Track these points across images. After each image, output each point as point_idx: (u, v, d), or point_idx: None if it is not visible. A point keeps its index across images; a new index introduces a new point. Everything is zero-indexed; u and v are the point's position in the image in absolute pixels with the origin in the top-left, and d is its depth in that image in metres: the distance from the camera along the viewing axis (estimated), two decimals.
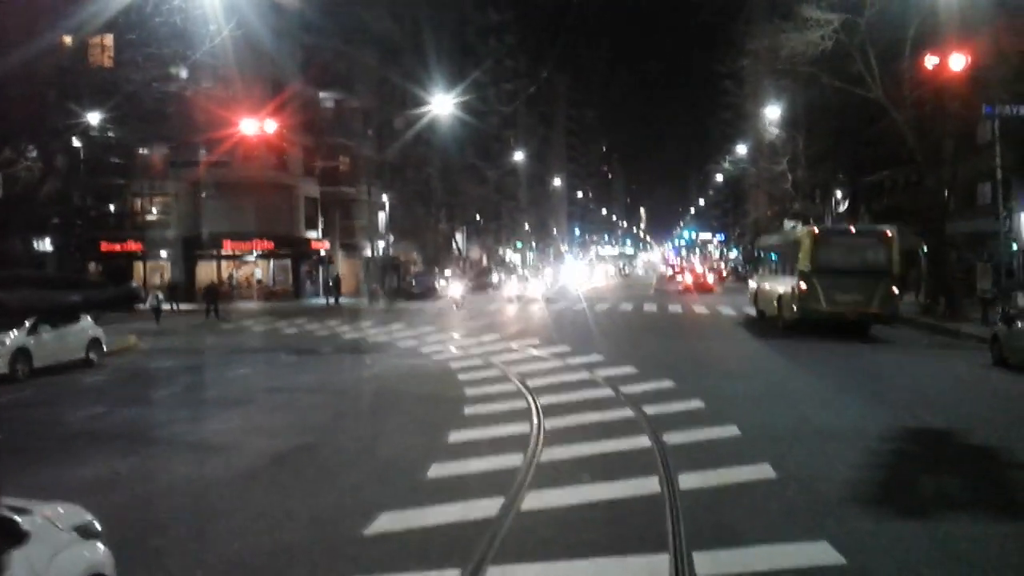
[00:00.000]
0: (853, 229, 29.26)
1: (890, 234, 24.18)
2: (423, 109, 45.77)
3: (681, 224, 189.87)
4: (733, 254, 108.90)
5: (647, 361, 16.51)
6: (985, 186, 35.26)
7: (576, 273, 68.92)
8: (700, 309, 32.46)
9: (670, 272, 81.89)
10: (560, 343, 19.92)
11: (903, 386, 14.44)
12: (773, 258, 28.91)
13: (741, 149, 66.77)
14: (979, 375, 16.19)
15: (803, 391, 13.71)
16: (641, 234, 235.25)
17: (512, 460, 8.85)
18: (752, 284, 32.23)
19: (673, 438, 9.69)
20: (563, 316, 30.24)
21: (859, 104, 42.93)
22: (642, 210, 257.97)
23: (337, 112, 48.71)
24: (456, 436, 10.11)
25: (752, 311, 28.89)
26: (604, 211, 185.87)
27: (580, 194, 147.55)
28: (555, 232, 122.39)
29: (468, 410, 11.83)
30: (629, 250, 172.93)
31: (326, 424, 11.50)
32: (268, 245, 42.78)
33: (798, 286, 23.05)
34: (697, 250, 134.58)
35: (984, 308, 24.73)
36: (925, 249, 42.46)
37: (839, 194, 48.70)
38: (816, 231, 25.89)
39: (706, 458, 8.76)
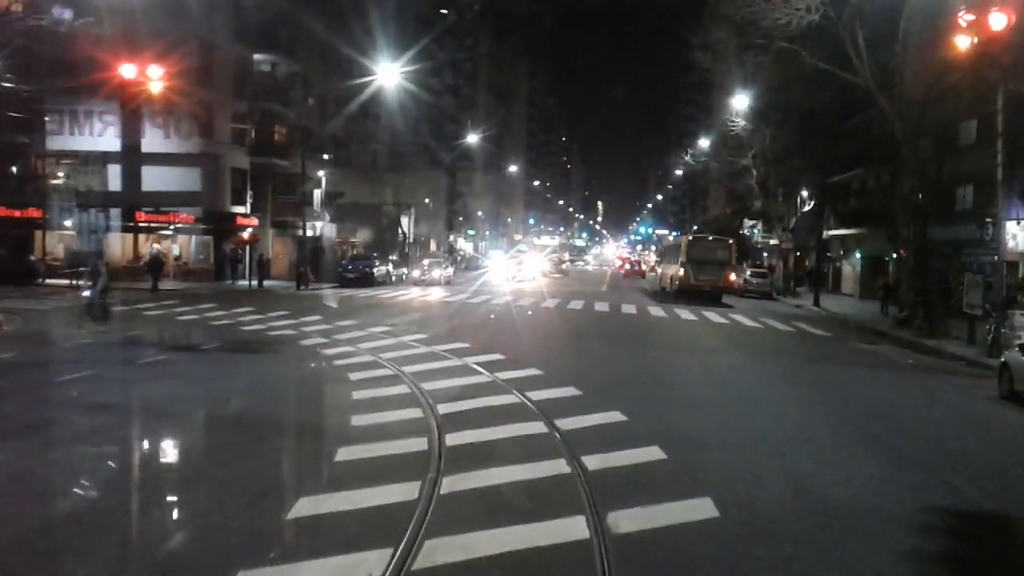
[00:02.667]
0: (710, 237, 44.69)
1: (731, 241, 41.73)
2: (370, 79, 42.17)
3: (638, 219, 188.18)
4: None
5: (591, 375, 13.43)
6: (965, 190, 32.88)
7: (504, 266, 55.43)
8: (656, 312, 29.47)
9: (628, 268, 79.18)
10: (494, 350, 16.73)
11: (911, 430, 11.48)
12: (670, 253, 47.29)
13: (704, 143, 64.12)
14: (991, 413, 13.47)
15: (788, 434, 10.67)
16: (598, 227, 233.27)
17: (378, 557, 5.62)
18: (658, 270, 54.05)
19: (621, 520, 6.57)
20: (500, 314, 27.06)
21: (829, 98, 40.63)
22: (600, 204, 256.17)
23: (273, 77, 44.76)
24: (307, 508, 6.82)
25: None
26: (561, 202, 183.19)
27: (537, 183, 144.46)
28: (509, 221, 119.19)
29: (342, 455, 8.54)
30: (580, 241, 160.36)
31: (108, 482, 8.13)
32: (187, 219, 38.81)
33: (679, 270, 39.06)
34: (652, 247, 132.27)
35: (971, 325, 22.17)
36: (895, 256, 40.30)
37: (805, 193, 46.18)
38: (690, 238, 44.23)
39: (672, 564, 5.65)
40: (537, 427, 10.04)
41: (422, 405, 11.11)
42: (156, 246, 38.14)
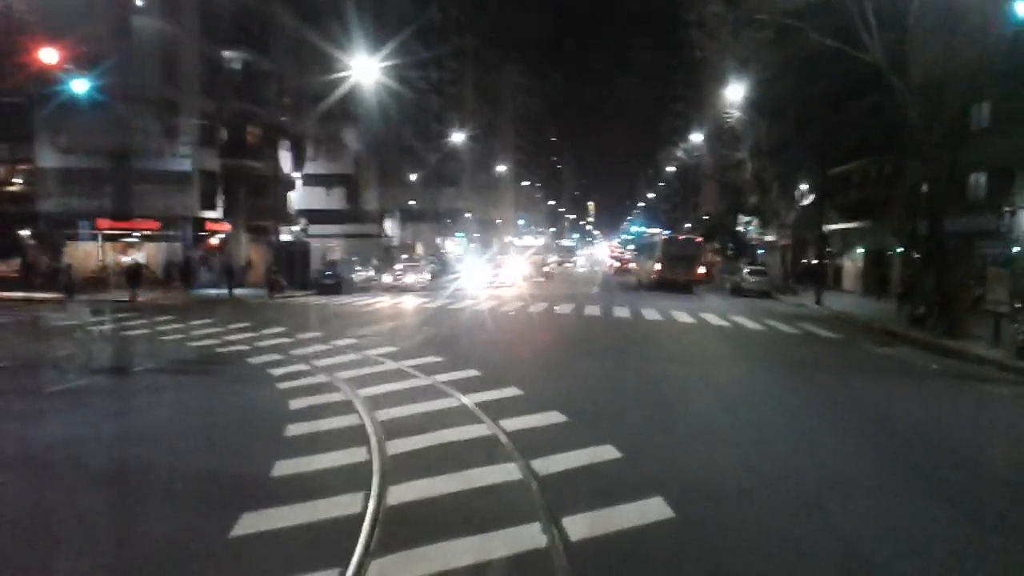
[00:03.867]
0: (681, 237, 55.03)
1: (699, 240, 51.64)
2: (348, 75, 40.03)
3: (629, 219, 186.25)
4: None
5: (573, 392, 11.35)
6: (978, 178, 30.93)
7: (479, 270, 50.14)
8: (651, 315, 27.38)
9: (617, 264, 77.11)
10: (469, 365, 14.63)
11: (978, 466, 9.34)
12: (646, 250, 56.80)
13: (697, 138, 62.11)
14: None
15: (824, 475, 8.53)
16: (589, 227, 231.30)
17: None
18: (635, 265, 62.91)
19: None
20: (480, 322, 24.99)
21: (828, 85, 38.69)
22: (590, 204, 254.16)
23: (246, 75, 42.55)
24: None
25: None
26: (552, 202, 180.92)
27: (527, 183, 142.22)
28: (499, 222, 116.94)
29: (244, 524, 6.44)
30: (567, 241, 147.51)
31: None
32: (152, 225, 36.61)
33: (655, 265, 46.45)
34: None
35: (996, 324, 20.17)
36: (900, 250, 38.32)
37: (804, 187, 44.16)
38: (664, 237, 53.78)
39: None
40: (508, 472, 7.96)
41: (369, 443, 9.01)
42: (136, 256, 36.15)
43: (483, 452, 8.74)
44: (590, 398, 12.02)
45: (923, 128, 22.13)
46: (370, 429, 9.61)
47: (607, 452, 8.72)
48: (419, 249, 75.56)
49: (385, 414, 10.45)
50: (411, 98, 60.63)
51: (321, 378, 13.32)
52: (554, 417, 10.34)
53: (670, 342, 20.21)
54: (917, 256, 27.97)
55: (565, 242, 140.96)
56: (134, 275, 32.08)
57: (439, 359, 15.46)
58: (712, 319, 26.05)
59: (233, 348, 17.43)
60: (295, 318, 25.26)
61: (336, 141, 51.80)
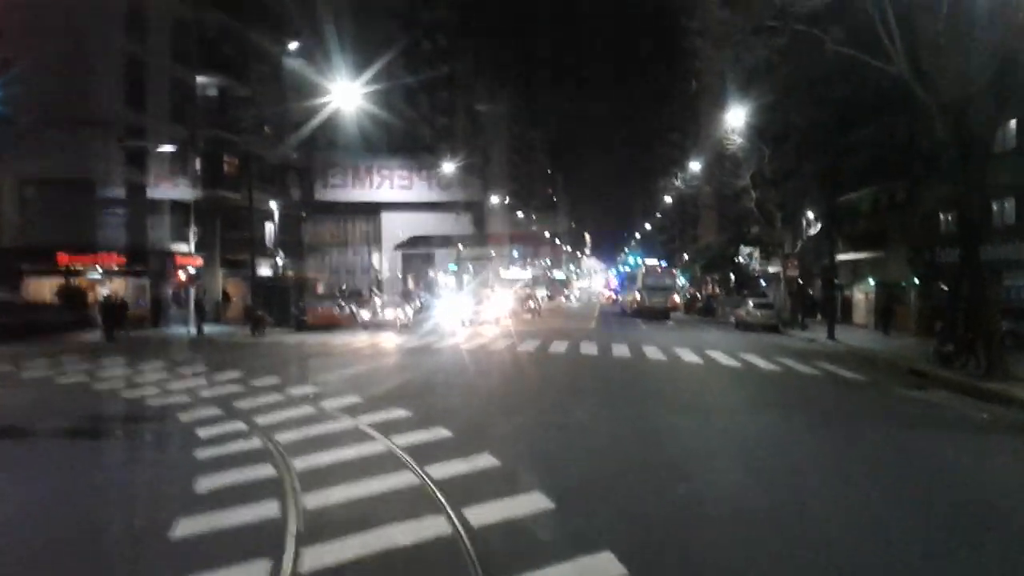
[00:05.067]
0: (659, 269, 63.01)
1: (674, 272, 68.30)
2: (331, 103, 37.90)
3: (626, 249, 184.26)
4: (681, 281, 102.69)
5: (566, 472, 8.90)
6: (1004, 203, 28.72)
7: (458, 306, 43.25)
8: (653, 354, 24.94)
9: (614, 297, 74.84)
10: (439, 422, 12.17)
11: None
12: (628, 281, 64.62)
13: (695, 166, 60.10)
14: None
15: None
16: (587, 259, 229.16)
17: None
18: (621, 296, 67.37)
19: None
20: (460, 366, 22.59)
21: (835, 108, 36.65)
22: (587, 236, 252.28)
23: (221, 102, 40.45)
24: None
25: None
26: (548, 234, 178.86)
27: (522, 215, 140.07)
28: (493, 254, 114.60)
29: None
30: (559, 273, 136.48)
31: None
32: (118, 259, 34.22)
33: (636, 295, 54.24)
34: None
35: None
36: (916, 281, 36.05)
37: (811, 215, 42.00)
38: (644, 269, 61.87)
39: None
40: None
41: (282, 549, 6.53)
42: (104, 291, 33.83)
43: (436, 565, 6.30)
44: (582, 470, 9.53)
45: (956, 145, 19.84)
46: (291, 526, 7.13)
47: (606, 562, 6.27)
48: (410, 283, 73.24)
49: (318, 499, 7.97)
50: (399, 127, 58.66)
51: (255, 443, 10.83)
52: (536, 502, 7.88)
53: (678, 387, 17.73)
54: (945, 288, 25.60)
55: (557, 274, 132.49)
56: (110, 311, 29.90)
57: (406, 414, 12.99)
58: (720, 358, 23.62)
59: (171, 400, 14.95)
60: (258, 360, 22.81)
61: (319, 171, 49.63)
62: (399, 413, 13.04)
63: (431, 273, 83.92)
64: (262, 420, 12.50)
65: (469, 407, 14.13)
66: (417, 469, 9.16)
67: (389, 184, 62.36)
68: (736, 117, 40.41)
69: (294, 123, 42.73)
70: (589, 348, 26.09)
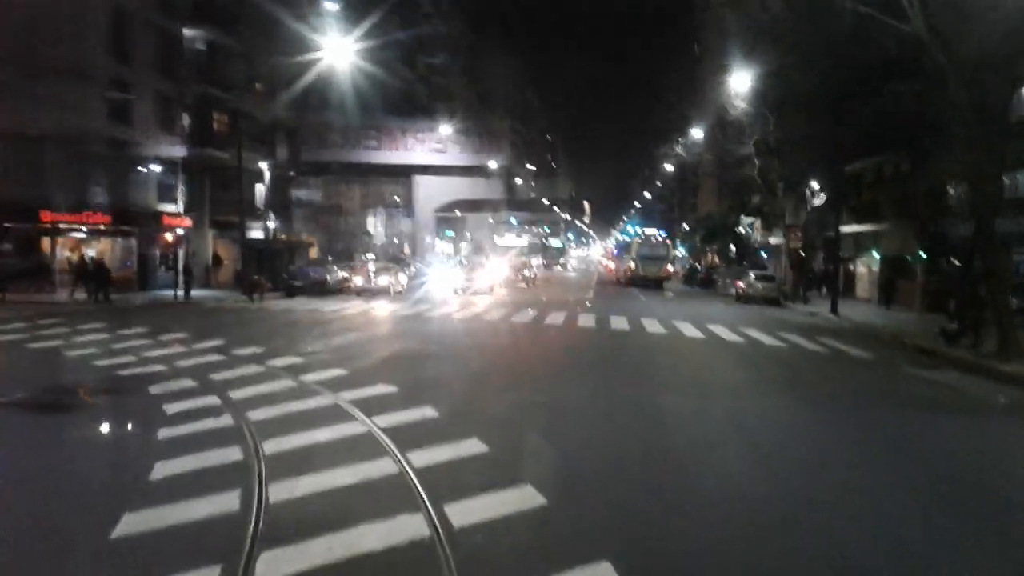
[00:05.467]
0: (654, 240, 61.11)
1: (669, 242, 62.57)
2: (324, 58, 36.64)
3: (625, 218, 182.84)
4: (680, 251, 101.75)
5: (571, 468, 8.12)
6: (1017, 176, 27.78)
7: (449, 274, 41.35)
8: (652, 327, 24.14)
9: (612, 267, 73.86)
10: (425, 400, 11.39)
11: None
12: (624, 251, 64.11)
13: (697, 133, 58.85)
14: None
15: None
16: (585, 228, 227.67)
17: None
18: (615, 264, 67.78)
19: None
20: (452, 337, 21.80)
21: (841, 73, 35.51)
22: (586, 204, 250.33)
23: (211, 56, 39.16)
24: None
25: None
26: (546, 202, 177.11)
27: (520, 182, 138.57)
28: (491, 221, 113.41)
29: None
30: (555, 241, 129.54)
31: None
32: (103, 219, 33.21)
33: (630, 264, 54.46)
34: None
35: None
36: (922, 255, 35.18)
37: (815, 185, 40.96)
38: (639, 240, 61.76)
39: None
40: None
41: (239, 550, 5.74)
42: (90, 253, 32.98)
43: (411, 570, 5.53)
44: (577, 459, 8.73)
45: (971, 111, 18.85)
46: (250, 525, 6.33)
47: (603, 573, 5.50)
48: (406, 249, 72.31)
49: (282, 491, 7.18)
50: (395, 86, 57.36)
51: (225, 421, 10.03)
52: (526, 498, 7.09)
53: (680, 363, 16.93)
54: (955, 263, 24.75)
55: (553, 241, 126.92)
56: (99, 274, 29.17)
57: (391, 389, 12.19)
58: (722, 332, 22.82)
59: (145, 369, 14.13)
60: (243, 328, 22.00)
61: (313, 131, 48.46)
62: (384, 389, 12.24)
63: (427, 239, 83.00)
64: (237, 395, 11.70)
65: (458, 383, 13.32)
66: (397, 455, 8.36)
67: (423, 148, 64.38)
68: (741, 81, 39.17)
69: (286, 80, 41.43)
70: (586, 320, 25.27)
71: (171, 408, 10.72)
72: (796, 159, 42.14)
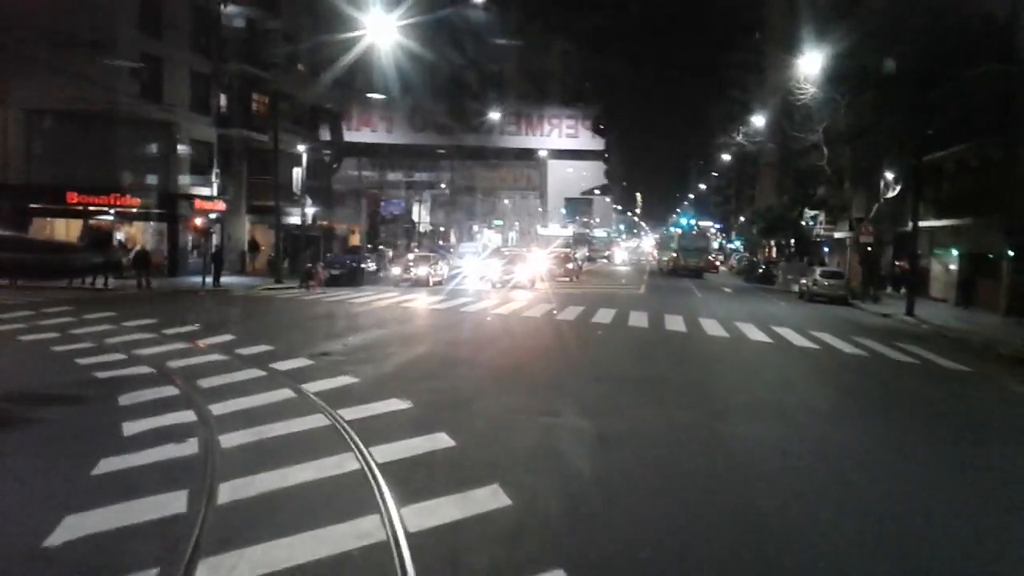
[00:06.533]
0: (694, 232, 71.33)
1: (707, 234, 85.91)
2: (369, 39, 34.68)
3: (678, 210, 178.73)
4: (734, 244, 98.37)
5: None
6: None
7: (485, 266, 38.32)
8: (712, 328, 21.72)
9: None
10: (440, 423, 9.30)
11: None
12: (666, 242, 70.88)
13: (759, 121, 55.79)
14: None
15: None
16: (636, 219, 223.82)
17: None
18: (657, 254, 73.57)
19: None
20: (486, 336, 19.70)
21: (923, 53, 32.58)
22: (638, 195, 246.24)
23: (250, 34, 37.53)
24: None
25: None
26: (598, 192, 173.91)
27: (571, 170, 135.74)
28: (541, 210, 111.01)
29: None
30: (599, 231, 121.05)
31: None
32: (132, 201, 31.80)
33: (672, 255, 59.92)
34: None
35: None
36: (1010, 253, 32.08)
37: (889, 176, 37.92)
38: (680, 232, 72.67)
39: None
40: None
41: None
42: (120, 236, 31.88)
43: None
44: (628, 523, 6.52)
45: None
46: None
47: None
48: (452, 238, 70.51)
49: (229, 564, 5.13)
50: (444, 71, 55.39)
51: (188, 448, 8.04)
52: None
53: (750, 377, 14.55)
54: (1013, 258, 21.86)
55: (598, 232, 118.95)
56: (142, 260, 28.35)
57: (403, 406, 10.14)
58: (792, 336, 20.32)
59: (125, 372, 12.28)
60: (260, 320, 20.26)
61: (357, 115, 46.72)
62: (395, 405, 10.19)
63: (475, 227, 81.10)
64: (220, 409, 9.74)
65: (485, 400, 11.18)
66: (387, 510, 6.28)
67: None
68: (811, 63, 36.25)
69: (329, 60, 39.62)
70: (638, 318, 22.92)
71: (129, 428, 8.77)
72: (869, 147, 39.10)
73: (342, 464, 7.57)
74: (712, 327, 21.43)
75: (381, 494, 6.67)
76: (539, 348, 16.87)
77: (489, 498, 6.69)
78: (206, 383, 11.33)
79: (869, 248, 39.91)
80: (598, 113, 75.91)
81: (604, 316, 23.02)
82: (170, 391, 10.79)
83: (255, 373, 12.25)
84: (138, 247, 30.88)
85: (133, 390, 10.72)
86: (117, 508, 6.20)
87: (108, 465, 7.37)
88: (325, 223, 43.43)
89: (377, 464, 7.54)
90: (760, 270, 54.68)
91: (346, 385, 11.49)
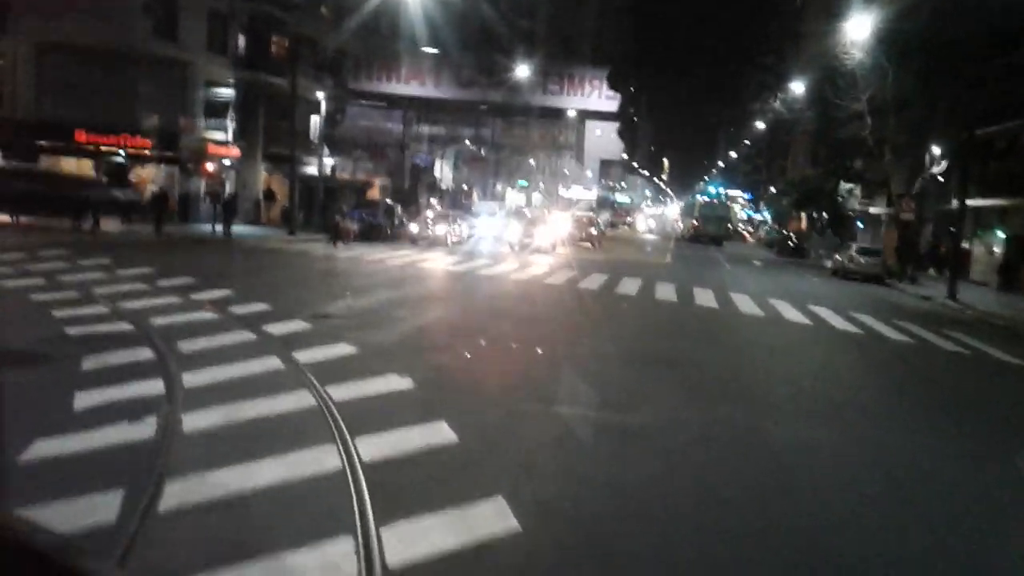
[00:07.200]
0: (716, 201, 74.07)
1: (729, 204, 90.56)
2: None
3: (706, 178, 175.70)
4: (763, 215, 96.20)
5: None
6: None
7: (504, 228, 36.75)
8: (745, 305, 20.33)
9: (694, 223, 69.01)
10: (446, 411, 8.09)
11: None
12: (687, 210, 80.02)
13: (797, 88, 53.56)
14: None
15: None
16: (663, 185, 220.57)
17: None
18: (681, 223, 76.57)
19: None
20: (500, 305, 18.48)
21: (979, 21, 30.60)
22: (665, 161, 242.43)
23: None
24: None
25: None
26: (626, 156, 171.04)
27: (599, 133, 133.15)
28: (566, 171, 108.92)
29: None
30: (622, 196, 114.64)
31: None
32: (143, 142, 30.61)
33: (693, 222, 62.99)
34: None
35: None
36: None
37: (936, 151, 35.99)
38: (702, 201, 74.70)
39: None
40: None
41: None
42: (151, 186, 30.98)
43: None
44: (655, 548, 5.27)
45: None
46: None
47: None
48: (475, 196, 68.96)
49: None
50: (473, 23, 53.47)
51: (142, 432, 6.85)
52: None
53: (792, 365, 13.20)
54: None
55: (620, 196, 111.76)
56: (160, 204, 27.61)
57: (403, 384, 8.91)
58: (831, 318, 18.90)
59: (107, 327, 11.14)
60: (263, 275, 19.08)
61: (379, 63, 45.14)
62: (394, 383, 8.97)
63: (498, 187, 79.43)
64: (193, 379, 8.55)
65: (495, 381, 9.94)
66: (370, 531, 5.05)
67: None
68: (859, 27, 34.14)
69: (352, 4, 37.99)
70: (665, 291, 21.53)
71: (83, 401, 7.59)
72: (916, 119, 37.11)
73: (321, 460, 6.34)
74: (745, 303, 20.03)
75: (361, 507, 5.44)
76: (560, 321, 15.57)
77: (492, 518, 5.44)
78: (187, 346, 10.15)
79: (907, 225, 38.13)
80: (624, 75, 74.54)
81: (629, 287, 21.67)
82: (144, 354, 9.62)
83: (244, 336, 11.06)
84: (156, 189, 30.08)
85: (104, 351, 9.55)
86: (34, 510, 5.02)
87: (41, 449, 6.18)
88: (344, 175, 42.10)
89: (362, 462, 6.31)
90: (791, 243, 52.91)
91: (343, 356, 10.28)
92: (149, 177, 32.33)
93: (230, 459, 6.21)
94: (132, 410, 7.31)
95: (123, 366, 8.96)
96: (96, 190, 27.08)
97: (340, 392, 8.36)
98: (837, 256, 38.08)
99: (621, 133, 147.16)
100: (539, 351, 11.99)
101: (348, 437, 6.88)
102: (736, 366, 12.22)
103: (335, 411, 7.67)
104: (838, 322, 18.32)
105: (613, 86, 69.62)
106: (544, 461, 6.95)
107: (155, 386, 8.22)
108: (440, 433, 7.25)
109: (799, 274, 35.25)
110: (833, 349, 14.98)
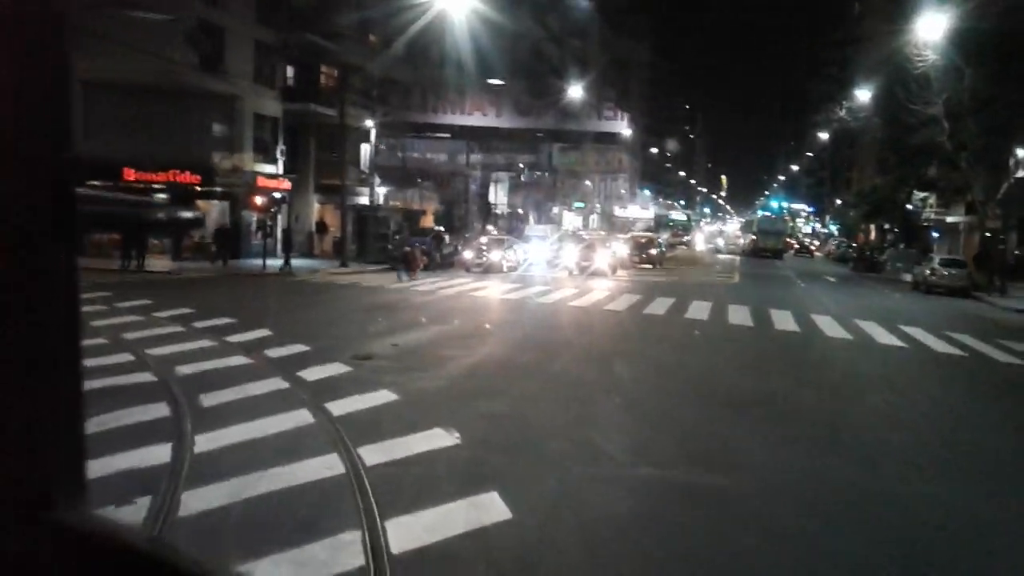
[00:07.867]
0: (774, 216, 71.19)
1: (786, 218, 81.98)
2: (442, 9, 32.20)
3: (766, 193, 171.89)
4: (829, 229, 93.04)
5: None
6: None
7: (557, 252, 35.45)
8: (830, 328, 18.56)
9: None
10: (494, 479, 6.76)
11: None
12: (746, 226, 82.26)
13: (863, 95, 51.27)
14: None
15: None
16: (721, 202, 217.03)
17: None
18: (743, 239, 71.97)
19: None
20: (559, 336, 17.08)
21: None
22: (723, 178, 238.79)
23: (318, 2, 35.48)
24: None
25: None
26: (683, 174, 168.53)
27: (656, 151, 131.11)
28: (623, 192, 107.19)
29: None
30: (677, 214, 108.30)
31: None
32: (193, 178, 30.16)
33: (752, 237, 64.20)
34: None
35: None
36: None
37: (1021, 154, 33.61)
38: (760, 216, 72.28)
39: None
40: None
41: None
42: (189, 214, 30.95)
43: None
44: None
45: None
46: None
47: None
48: (531, 220, 67.83)
49: None
50: (524, 45, 52.63)
51: (133, 515, 5.67)
52: None
53: (894, 399, 11.49)
54: None
55: (675, 214, 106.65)
56: (223, 237, 28.72)
57: (448, 440, 7.63)
58: (927, 339, 17.05)
59: (127, 378, 10.09)
60: (309, 311, 18.04)
61: (430, 90, 44.49)
62: (438, 438, 7.69)
63: (554, 209, 78.20)
64: (206, 443, 7.42)
65: (556, 432, 8.56)
66: None
67: (550, 112, 60.57)
68: (932, 26, 32.12)
69: (400, 31, 37.31)
70: (739, 314, 19.87)
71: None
72: (997, 121, 34.75)
73: (337, 556, 5.04)
74: (829, 326, 18.29)
75: None
76: (626, 353, 14.10)
77: None
78: (209, 399, 9.03)
79: (990, 234, 35.69)
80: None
81: (699, 311, 20.08)
82: (158, 411, 8.53)
83: (275, 385, 9.93)
84: (221, 223, 30.16)
85: (115, 408, 8.42)
86: None
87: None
88: (397, 204, 41.33)
89: (390, 556, 5.01)
90: (872, 257, 50.46)
91: (382, 404, 9.06)
92: (206, 209, 31.94)
93: (228, 553, 4.98)
94: (125, 488, 6.13)
95: (131, 428, 7.85)
96: (157, 211, 27.57)
97: (374, 454, 7.10)
98: (917, 269, 35.80)
99: (677, 154, 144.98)
100: (606, 392, 10.58)
101: (377, 518, 5.60)
102: (837, 406, 10.60)
103: (365, 481, 6.41)
104: (937, 344, 16.47)
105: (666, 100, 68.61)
106: (617, 541, 5.55)
107: (160, 454, 7.07)
108: (491, 509, 5.92)
109: (877, 290, 33.12)
110: (941, 378, 13.23)
